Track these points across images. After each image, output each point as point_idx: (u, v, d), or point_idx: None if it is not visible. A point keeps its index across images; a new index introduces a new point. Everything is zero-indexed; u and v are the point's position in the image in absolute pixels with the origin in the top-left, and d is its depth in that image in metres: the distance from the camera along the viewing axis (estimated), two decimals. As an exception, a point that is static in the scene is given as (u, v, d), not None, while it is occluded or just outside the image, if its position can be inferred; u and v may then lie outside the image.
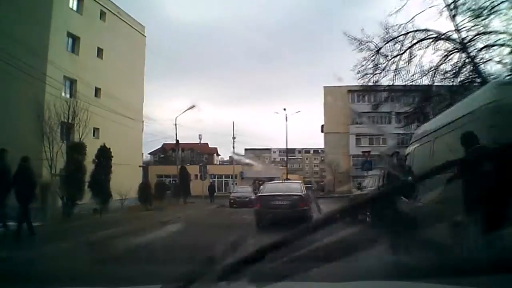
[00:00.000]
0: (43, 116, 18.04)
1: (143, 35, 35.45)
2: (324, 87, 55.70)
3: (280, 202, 12.97)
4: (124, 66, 30.55)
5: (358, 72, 19.26)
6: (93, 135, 24.72)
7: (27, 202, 10.59)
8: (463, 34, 17.56)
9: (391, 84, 19.21)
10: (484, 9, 16.65)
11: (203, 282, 1.54)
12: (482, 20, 16.92)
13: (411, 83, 18.80)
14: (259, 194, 14.24)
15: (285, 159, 62.83)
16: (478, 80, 17.91)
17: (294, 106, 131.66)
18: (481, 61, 17.62)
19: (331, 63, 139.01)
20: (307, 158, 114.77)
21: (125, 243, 9.18)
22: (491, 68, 17.71)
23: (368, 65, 18.98)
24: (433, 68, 18.18)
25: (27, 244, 9.23)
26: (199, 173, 33.41)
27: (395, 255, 6.24)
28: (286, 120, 45.58)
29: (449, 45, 18.26)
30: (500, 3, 16.20)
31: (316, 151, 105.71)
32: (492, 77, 16.59)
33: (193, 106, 35.84)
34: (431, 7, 17.28)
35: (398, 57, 18.46)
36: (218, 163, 73.65)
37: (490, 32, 16.91)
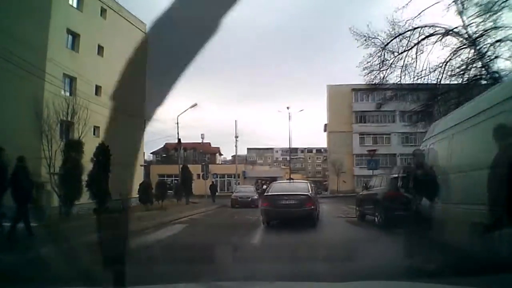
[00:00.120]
0: (42, 114, 17.79)
1: (144, 32, 35.00)
2: (328, 85, 55.39)
3: (287, 202, 13.03)
4: (125, 64, 30.08)
5: (364, 69, 18.94)
6: (94, 134, 24.34)
7: (24, 202, 10.37)
8: (472, 30, 17.18)
9: (398, 80, 18.82)
10: (494, 4, 16.25)
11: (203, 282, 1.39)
12: (491, 15, 16.53)
13: (418, 80, 18.36)
14: (267, 194, 14.30)
15: (288, 159, 62.42)
16: (487, 76, 17.54)
17: (296, 106, 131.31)
18: (490, 57, 17.22)
19: (335, 61, 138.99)
20: (309, 158, 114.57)
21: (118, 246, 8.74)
22: (500, 64, 17.33)
23: (374, 61, 18.69)
24: (441, 64, 17.77)
25: (23, 245, 8.92)
26: (201, 172, 33.02)
27: (409, 257, 5.92)
28: (290, 119, 45.12)
29: (457, 41, 17.88)
30: None
31: (318, 150, 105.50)
32: (503, 73, 16.19)
33: (195, 105, 35.48)
34: (438, 2, 16.92)
35: (406, 53, 18.11)
36: (220, 163, 73.37)
37: (500, 27, 16.47)
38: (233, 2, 2.23)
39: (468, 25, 17.19)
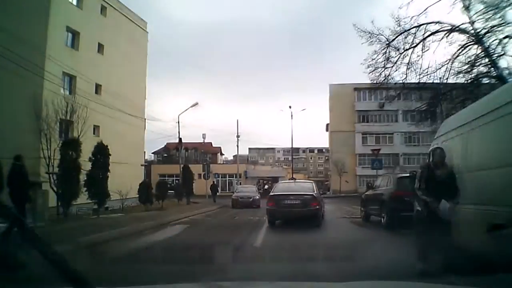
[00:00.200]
0: (41, 113, 17.56)
1: (145, 31, 34.73)
2: (330, 84, 55.08)
3: (292, 201, 13.12)
4: (126, 62, 29.79)
5: (369, 66, 18.58)
6: (93, 133, 24.05)
7: (22, 202, 10.06)
8: (478, 26, 16.84)
9: (403, 78, 18.43)
10: (501, 0, 15.92)
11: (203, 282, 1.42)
12: (498, 11, 16.20)
13: (424, 77, 18.02)
14: (272, 194, 14.39)
15: (290, 158, 62.07)
16: (494, 74, 17.22)
17: (298, 105, 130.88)
18: (497, 54, 16.89)
19: (337, 61, 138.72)
20: (311, 158, 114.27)
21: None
22: (508, 61, 16.98)
23: (379, 58, 18.30)
24: (447, 61, 17.41)
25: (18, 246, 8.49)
26: (203, 172, 32.68)
27: (422, 260, 5.64)
28: (292, 118, 44.69)
29: (464, 38, 17.52)
30: None
31: (320, 150, 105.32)
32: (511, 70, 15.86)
33: (196, 104, 35.12)
34: None
35: (411, 50, 17.73)
36: (222, 163, 73.11)
37: (507, 24, 16.11)
38: None
39: (475, 21, 16.85)
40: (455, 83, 18.25)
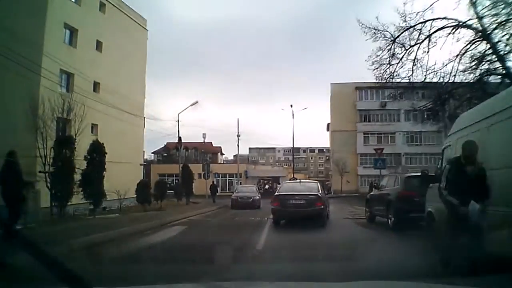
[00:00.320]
0: (37, 110, 17.20)
1: (145, 28, 34.30)
2: (332, 83, 54.68)
3: (297, 201, 13.20)
4: (125, 60, 29.38)
5: (373, 63, 18.16)
6: (91, 132, 23.65)
7: (16, 201, 9.59)
8: (486, 22, 16.44)
9: (409, 74, 18.00)
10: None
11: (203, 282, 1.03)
12: (506, 7, 15.81)
13: (430, 74, 17.63)
14: (277, 194, 14.56)
15: (290, 158, 61.67)
16: (501, 71, 16.85)
17: (299, 105, 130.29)
18: (504, 51, 16.51)
19: (338, 60, 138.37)
20: (312, 158, 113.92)
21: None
22: None
23: (384, 55, 17.89)
24: (454, 58, 17.02)
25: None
26: (203, 172, 32.24)
27: (445, 265, 5.39)
28: (293, 117, 44.16)
29: (470, 34, 17.12)
30: None
31: (321, 150, 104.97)
32: None
33: (196, 102, 34.81)
34: None
35: (417, 46, 17.31)
36: (222, 162, 72.76)
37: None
38: None
39: (482, 17, 16.45)
40: (461, 82, 17.86)
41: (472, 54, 17.02)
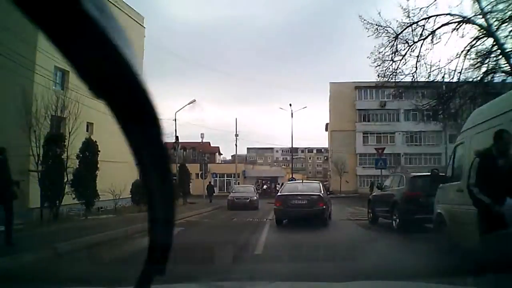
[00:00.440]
0: (31, 108, 16.77)
1: (142, 26, 33.82)
2: (330, 83, 54.38)
3: (299, 201, 13.44)
4: (122, 58, 28.84)
5: (375, 60, 17.83)
6: (87, 130, 23.15)
7: (7, 199, 9.14)
8: (490, 18, 16.14)
9: (413, 71, 17.66)
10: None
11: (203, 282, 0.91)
12: (510, 5, 15.53)
13: (435, 70, 17.31)
14: (279, 194, 14.86)
15: (288, 158, 61.28)
16: (506, 68, 16.54)
17: (297, 105, 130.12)
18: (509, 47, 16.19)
19: (337, 60, 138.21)
20: (310, 158, 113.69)
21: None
22: None
23: (386, 52, 17.56)
24: (458, 55, 16.70)
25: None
26: (200, 171, 31.81)
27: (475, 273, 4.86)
28: (292, 116, 43.63)
29: (475, 31, 16.82)
30: None
31: (319, 150, 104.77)
32: None
33: (193, 101, 34.52)
34: None
35: (420, 42, 16.98)
36: (220, 162, 72.40)
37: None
38: None
39: (487, 13, 16.14)
40: (465, 80, 17.52)
41: (477, 51, 16.74)
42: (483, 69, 16.91)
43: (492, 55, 16.54)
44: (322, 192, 14.27)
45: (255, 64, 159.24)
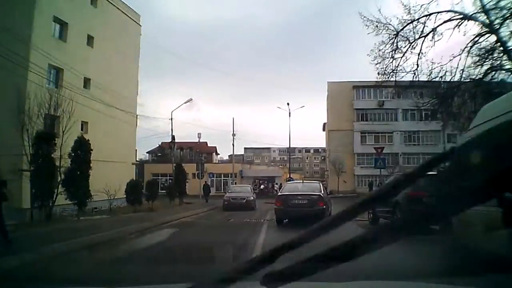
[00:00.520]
0: (24, 106, 16.55)
1: (139, 24, 33.43)
2: (328, 82, 54.11)
3: (300, 201, 13.60)
4: (117, 56, 28.45)
5: (375, 58, 17.61)
6: (81, 129, 22.79)
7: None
8: (492, 15, 15.90)
9: (414, 68, 17.40)
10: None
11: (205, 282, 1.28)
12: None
13: (436, 68, 17.07)
14: (280, 194, 15.06)
15: (286, 158, 60.96)
16: (508, 66, 16.34)
17: (295, 105, 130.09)
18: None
19: (335, 59, 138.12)
20: (307, 158, 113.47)
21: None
22: None
23: (387, 49, 17.30)
24: (460, 52, 16.47)
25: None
26: (197, 171, 31.46)
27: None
28: (289, 115, 43.24)
29: (477, 28, 16.60)
30: None
31: (316, 150, 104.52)
32: None
33: (190, 100, 34.20)
34: None
35: (421, 39, 16.74)
36: (217, 162, 72.09)
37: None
38: None
39: (489, 10, 15.90)
40: (466, 78, 17.30)
41: (478, 48, 16.51)
42: (485, 67, 16.68)
43: (495, 53, 16.32)
44: (322, 192, 14.45)
45: (253, 64, 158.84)
